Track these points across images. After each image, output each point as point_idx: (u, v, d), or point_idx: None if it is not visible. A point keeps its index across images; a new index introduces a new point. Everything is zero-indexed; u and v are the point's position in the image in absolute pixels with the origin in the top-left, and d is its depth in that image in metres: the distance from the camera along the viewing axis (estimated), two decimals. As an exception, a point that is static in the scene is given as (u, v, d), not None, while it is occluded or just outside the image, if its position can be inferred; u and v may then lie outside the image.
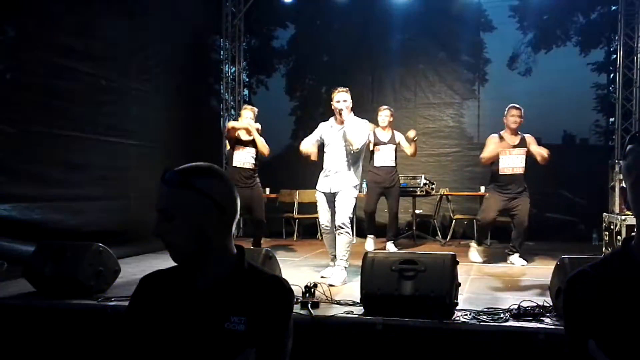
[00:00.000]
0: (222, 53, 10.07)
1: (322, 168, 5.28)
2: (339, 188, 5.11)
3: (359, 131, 5.08)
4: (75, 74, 6.28)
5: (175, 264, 1.51)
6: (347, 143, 5.08)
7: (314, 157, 5.35)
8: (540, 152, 6.05)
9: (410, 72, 9.48)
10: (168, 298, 1.49)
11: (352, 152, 5.08)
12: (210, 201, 1.45)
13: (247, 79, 10.63)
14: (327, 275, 5.05)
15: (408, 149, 7.19)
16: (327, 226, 5.23)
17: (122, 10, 6.99)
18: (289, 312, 1.47)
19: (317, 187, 5.27)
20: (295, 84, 10.45)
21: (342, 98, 5.12)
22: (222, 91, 10.04)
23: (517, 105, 6.25)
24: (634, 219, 1.33)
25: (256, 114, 6.68)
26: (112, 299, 4.02)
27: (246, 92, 10.51)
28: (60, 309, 3.91)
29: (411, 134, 7.13)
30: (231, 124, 6.78)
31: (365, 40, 9.68)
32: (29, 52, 5.72)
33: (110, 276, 4.44)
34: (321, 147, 5.35)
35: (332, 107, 5.19)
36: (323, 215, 5.24)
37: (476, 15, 9.36)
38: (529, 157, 6.14)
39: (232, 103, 10.01)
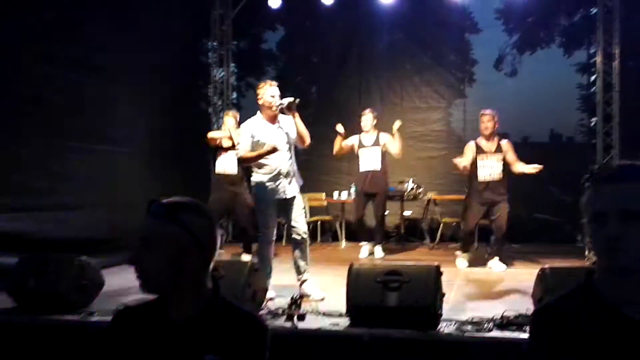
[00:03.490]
0: (210, 56, 10.04)
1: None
2: (293, 192, 4.74)
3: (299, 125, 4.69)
4: (60, 81, 6.24)
5: (150, 298, 1.54)
6: (295, 140, 4.70)
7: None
8: (520, 170, 6.11)
9: (397, 76, 9.51)
10: (142, 334, 1.51)
11: (293, 149, 4.74)
12: (191, 237, 1.47)
13: (236, 82, 10.61)
14: (308, 292, 4.71)
15: (393, 144, 7.09)
16: (272, 238, 4.75)
17: (110, 16, 6.94)
18: (264, 350, 1.49)
19: (263, 196, 4.70)
20: (285, 86, 10.38)
21: (276, 92, 4.66)
22: (210, 94, 10.01)
23: (486, 111, 6.26)
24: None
25: (237, 119, 6.67)
26: (95, 314, 3.99)
27: (235, 95, 10.49)
28: (40, 325, 3.88)
29: (396, 124, 7.06)
30: (211, 134, 6.82)
31: (353, 42, 9.72)
32: (12, 59, 5.67)
33: (94, 289, 4.40)
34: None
35: (262, 103, 4.67)
36: (272, 226, 4.74)
37: (462, 19, 9.42)
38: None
39: (221, 106, 9.99)
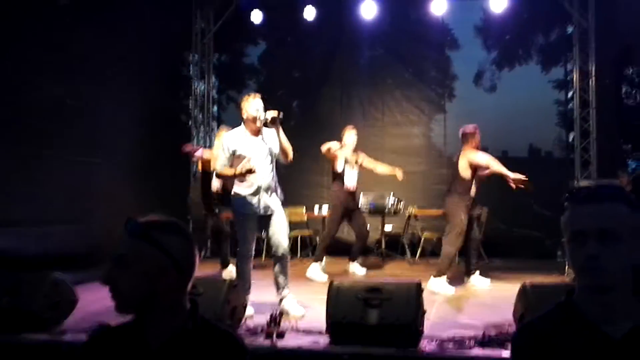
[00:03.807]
0: (192, 69, 10.00)
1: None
2: (274, 207, 4.65)
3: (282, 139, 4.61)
4: (40, 91, 6.16)
5: (126, 321, 1.49)
6: (278, 154, 4.62)
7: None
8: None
9: (378, 90, 9.59)
10: (117, 358, 1.46)
11: (274, 164, 4.67)
12: (168, 258, 1.44)
13: (217, 95, 10.58)
14: (288, 308, 4.62)
15: (381, 167, 7.18)
16: (251, 254, 4.68)
17: (92, 27, 6.87)
18: None
19: (242, 210, 4.61)
20: (266, 100, 10.40)
21: (260, 105, 4.58)
22: (191, 107, 9.96)
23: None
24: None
25: None
26: (68, 333, 3.91)
27: (216, 108, 10.45)
28: (13, 344, 3.79)
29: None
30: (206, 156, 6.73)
31: (334, 57, 9.78)
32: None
33: (68, 307, 4.33)
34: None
35: (246, 116, 4.59)
36: (252, 241, 4.66)
37: (442, 35, 9.57)
38: None
39: (201, 119, 9.94)
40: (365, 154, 7.22)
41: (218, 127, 10.42)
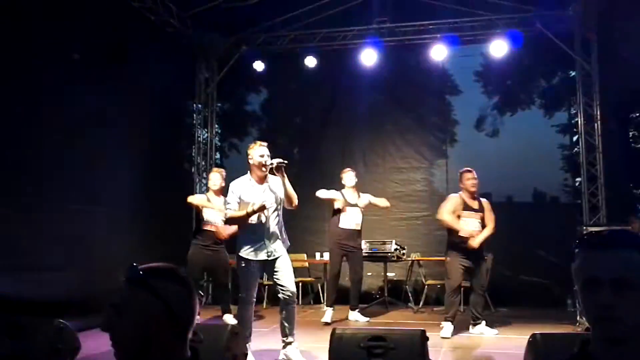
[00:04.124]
0: (195, 117, 10.11)
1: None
2: (278, 253, 4.65)
3: (287, 187, 4.68)
4: (43, 143, 6.18)
5: None
6: (283, 201, 4.65)
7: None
8: (489, 225, 6.10)
9: (379, 136, 9.62)
10: None
11: (281, 211, 4.71)
12: (163, 306, 1.39)
13: (220, 143, 10.66)
14: (291, 356, 4.56)
15: (378, 200, 7.21)
16: (253, 299, 4.69)
17: (93, 76, 6.95)
18: None
19: (245, 256, 4.62)
20: (268, 146, 10.45)
21: (265, 152, 4.66)
22: (194, 155, 10.02)
23: (469, 168, 6.30)
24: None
25: (224, 175, 6.73)
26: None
27: (218, 155, 10.52)
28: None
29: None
30: (190, 200, 6.97)
31: (335, 104, 9.86)
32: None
33: (70, 354, 4.23)
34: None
35: (253, 163, 4.67)
36: (254, 287, 4.69)
37: (442, 80, 9.66)
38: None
39: (204, 166, 9.98)
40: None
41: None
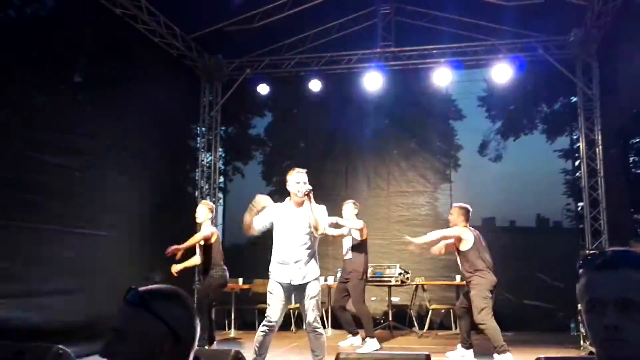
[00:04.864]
0: (199, 141, 10.14)
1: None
2: (304, 280, 4.65)
3: (323, 214, 4.72)
4: (48, 167, 6.20)
5: None
6: (312, 227, 4.65)
7: (254, 232, 4.76)
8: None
9: (383, 160, 9.65)
10: None
11: (313, 237, 4.69)
12: (165, 327, 1.38)
13: (224, 166, 10.68)
14: None
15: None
16: (275, 323, 4.62)
17: (98, 100, 7.02)
18: None
19: (272, 277, 4.68)
20: (272, 170, 10.52)
21: (302, 179, 4.68)
22: (198, 178, 10.02)
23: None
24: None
25: (213, 210, 6.66)
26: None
27: (222, 179, 10.52)
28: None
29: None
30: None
31: (339, 128, 9.86)
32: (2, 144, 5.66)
33: (70, 381, 4.19)
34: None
35: (289, 189, 4.75)
36: (275, 310, 4.61)
37: (445, 105, 9.73)
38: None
39: (207, 190, 9.99)
40: (369, 224, 7.26)
41: (224, 198, 10.50)
